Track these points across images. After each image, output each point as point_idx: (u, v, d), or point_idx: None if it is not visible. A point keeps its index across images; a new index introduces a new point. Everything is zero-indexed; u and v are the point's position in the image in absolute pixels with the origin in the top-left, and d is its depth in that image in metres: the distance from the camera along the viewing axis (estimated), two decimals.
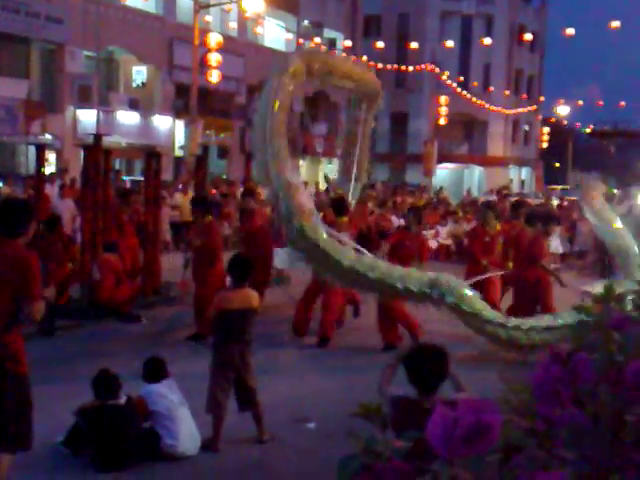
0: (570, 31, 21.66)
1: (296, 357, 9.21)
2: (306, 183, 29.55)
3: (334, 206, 10.47)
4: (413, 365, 3.94)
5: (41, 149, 11.52)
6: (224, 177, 28.85)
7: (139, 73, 29.84)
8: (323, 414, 6.92)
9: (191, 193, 17.46)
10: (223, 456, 6.02)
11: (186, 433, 5.91)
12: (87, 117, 25.50)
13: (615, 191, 25.06)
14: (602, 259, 16.49)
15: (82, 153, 21.81)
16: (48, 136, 24.21)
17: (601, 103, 40.76)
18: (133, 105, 28.29)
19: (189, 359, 8.31)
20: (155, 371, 6.07)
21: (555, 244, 17.25)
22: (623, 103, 39.56)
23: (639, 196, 23.38)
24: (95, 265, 10.61)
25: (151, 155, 12.08)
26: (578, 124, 53.79)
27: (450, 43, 31.69)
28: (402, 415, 3.99)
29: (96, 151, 11.04)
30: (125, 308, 10.62)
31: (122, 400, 5.73)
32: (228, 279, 7.04)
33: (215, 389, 6.09)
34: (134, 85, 29.89)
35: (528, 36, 29.80)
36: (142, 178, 20.56)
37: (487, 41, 31.15)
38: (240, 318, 6.11)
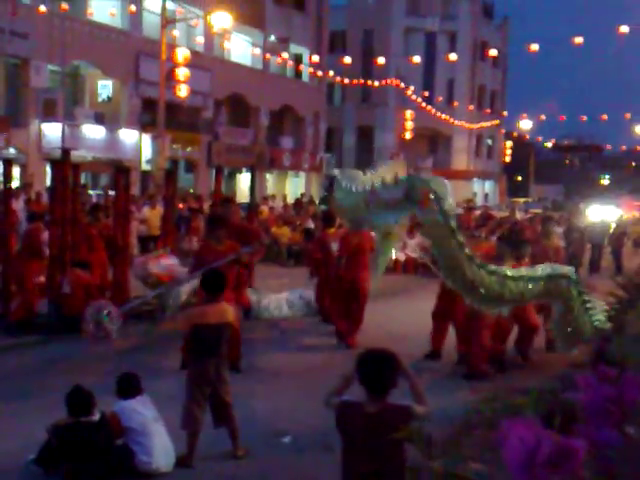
0: (534, 47, 21.95)
1: (270, 370, 9.18)
2: (273, 196, 29.71)
3: (324, 218, 12.07)
4: (361, 368, 4.02)
5: (8, 164, 11.39)
6: (191, 191, 28.76)
7: (105, 87, 29.68)
8: (298, 428, 6.91)
9: (159, 207, 17.37)
10: (198, 472, 5.97)
11: (160, 449, 5.87)
12: (52, 131, 25.27)
13: (580, 205, 25.57)
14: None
15: (47, 167, 21.66)
16: (12, 150, 23.95)
17: (563, 117, 41.36)
18: (99, 119, 28.11)
19: (161, 374, 8.25)
20: (129, 387, 6.02)
21: None
22: (584, 117, 40.16)
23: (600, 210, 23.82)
24: (66, 279, 10.52)
25: (120, 170, 12.03)
26: (540, 138, 54.54)
27: (415, 59, 31.97)
28: (344, 418, 4.04)
29: (64, 165, 10.95)
30: None
31: (96, 417, 5.68)
32: None
33: (191, 404, 6.06)
34: (100, 99, 29.71)
35: (492, 52, 30.14)
36: (108, 192, 20.46)
37: (452, 57, 31.46)
38: (215, 332, 6.09)
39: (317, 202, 30.66)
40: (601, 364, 4.06)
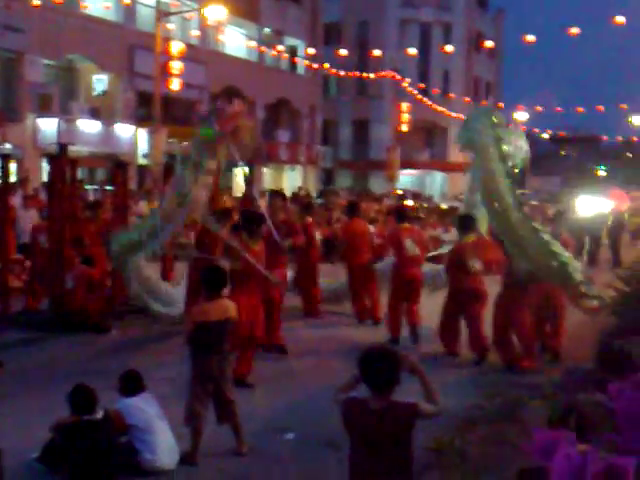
0: (530, 38, 21.88)
1: (271, 366, 9.16)
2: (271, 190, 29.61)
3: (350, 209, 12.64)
4: (362, 366, 4.02)
5: (5, 159, 11.33)
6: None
7: (100, 81, 29.55)
8: (301, 424, 6.90)
9: (156, 202, 17.30)
10: (202, 469, 5.96)
11: (164, 447, 5.84)
12: (48, 126, 25.20)
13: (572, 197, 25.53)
14: None
15: (43, 163, 21.59)
16: (8, 146, 23.85)
17: (559, 109, 41.27)
18: (94, 114, 28.02)
19: (163, 371, 8.22)
20: (131, 384, 5.99)
21: None
22: (581, 109, 40.09)
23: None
24: (69, 274, 10.49)
25: (119, 165, 12.00)
26: (536, 130, 54.45)
27: (410, 50, 31.88)
28: (350, 415, 4.03)
29: (62, 161, 10.89)
30: (95, 319, 10.49)
31: (99, 415, 5.64)
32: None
33: (193, 401, 6.03)
34: (95, 93, 29.60)
35: (488, 43, 30.05)
36: (103, 187, 20.40)
37: (448, 48, 31.37)
38: (218, 329, 6.06)
39: (314, 195, 30.69)
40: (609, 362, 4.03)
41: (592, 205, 23.06)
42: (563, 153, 77.34)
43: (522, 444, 3.72)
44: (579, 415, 3.04)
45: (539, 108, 42.18)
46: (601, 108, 38.39)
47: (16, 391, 7.77)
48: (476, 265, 9.32)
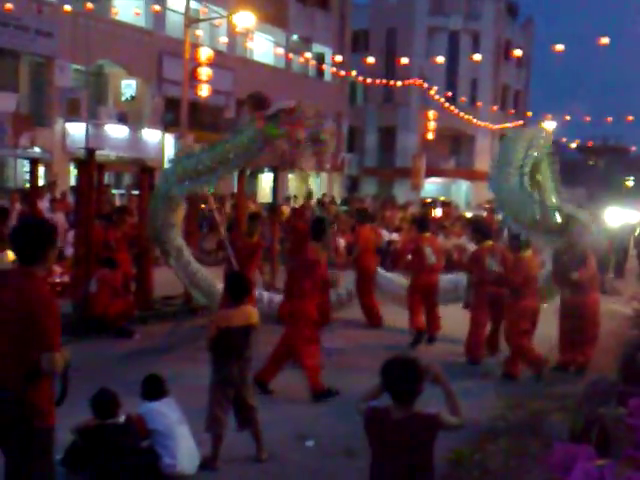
0: (559, 47, 21.71)
1: (291, 373, 9.15)
2: (295, 197, 29.70)
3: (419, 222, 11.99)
4: (385, 376, 4.03)
5: (34, 163, 11.47)
6: (211, 191, 28.73)
7: (128, 87, 29.80)
8: (322, 432, 6.89)
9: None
10: (222, 474, 5.98)
11: (185, 452, 5.86)
12: (76, 130, 25.43)
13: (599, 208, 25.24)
14: None
15: (71, 167, 21.75)
16: (37, 149, 24.11)
17: (588, 118, 40.91)
18: (122, 118, 28.25)
19: (185, 376, 8.24)
20: (154, 389, 6.02)
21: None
22: (610, 119, 39.73)
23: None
24: (93, 278, 10.57)
25: (145, 169, 12.10)
26: (564, 139, 54.05)
27: (438, 59, 31.81)
28: (372, 423, 4.04)
29: (89, 165, 11.00)
30: (118, 323, 10.56)
31: (121, 419, 5.68)
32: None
33: (214, 407, 6.06)
34: (123, 99, 29.85)
35: (517, 52, 29.85)
36: (131, 192, 20.54)
37: (476, 57, 31.23)
38: (240, 335, 6.08)
39: (338, 202, 30.69)
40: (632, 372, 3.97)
41: (620, 216, 22.83)
42: (591, 163, 76.63)
43: (542, 456, 3.69)
44: (601, 430, 3.01)
45: (567, 117, 41.80)
46: (630, 118, 37.99)
47: None
48: (494, 267, 9.51)
